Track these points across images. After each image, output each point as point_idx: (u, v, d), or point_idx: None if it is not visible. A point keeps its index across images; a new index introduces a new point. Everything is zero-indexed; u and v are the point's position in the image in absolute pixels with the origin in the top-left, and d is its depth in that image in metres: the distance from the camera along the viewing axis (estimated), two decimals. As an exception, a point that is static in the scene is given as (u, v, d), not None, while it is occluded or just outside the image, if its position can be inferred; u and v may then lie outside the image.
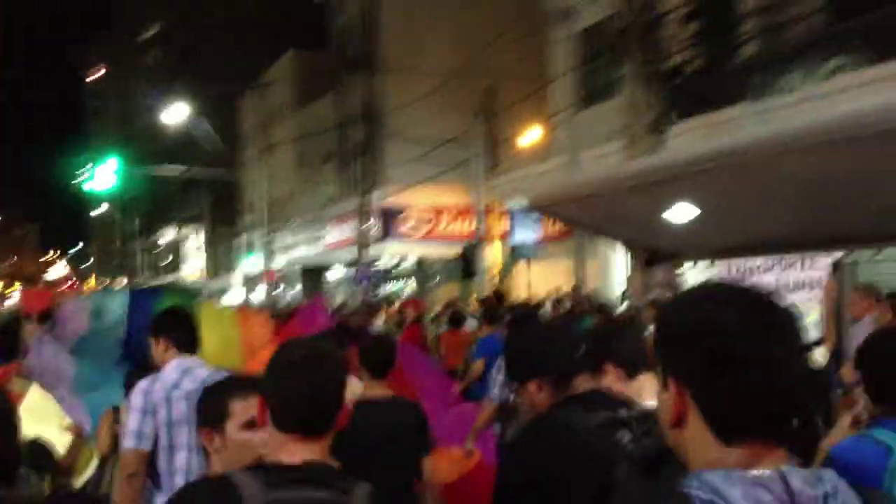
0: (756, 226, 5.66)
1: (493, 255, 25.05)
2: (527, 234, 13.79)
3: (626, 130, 10.38)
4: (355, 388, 4.66)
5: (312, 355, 2.16)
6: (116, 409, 4.53)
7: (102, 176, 26.95)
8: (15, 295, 75.34)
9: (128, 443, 4.09)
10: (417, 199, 26.83)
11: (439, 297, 26.44)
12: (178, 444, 4.12)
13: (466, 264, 17.89)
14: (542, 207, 7.37)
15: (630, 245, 7.34)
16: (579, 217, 7.07)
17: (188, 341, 4.37)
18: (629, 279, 10.43)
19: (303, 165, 34.60)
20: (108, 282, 67.90)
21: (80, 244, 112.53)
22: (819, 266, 8.18)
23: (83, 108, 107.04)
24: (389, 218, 26.98)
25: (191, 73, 43.71)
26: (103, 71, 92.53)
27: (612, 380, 2.96)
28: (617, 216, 6.32)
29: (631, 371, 2.95)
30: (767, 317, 1.28)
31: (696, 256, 7.30)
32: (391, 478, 3.83)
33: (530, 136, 22.51)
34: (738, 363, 1.24)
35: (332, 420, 2.14)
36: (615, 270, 16.65)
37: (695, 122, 11.64)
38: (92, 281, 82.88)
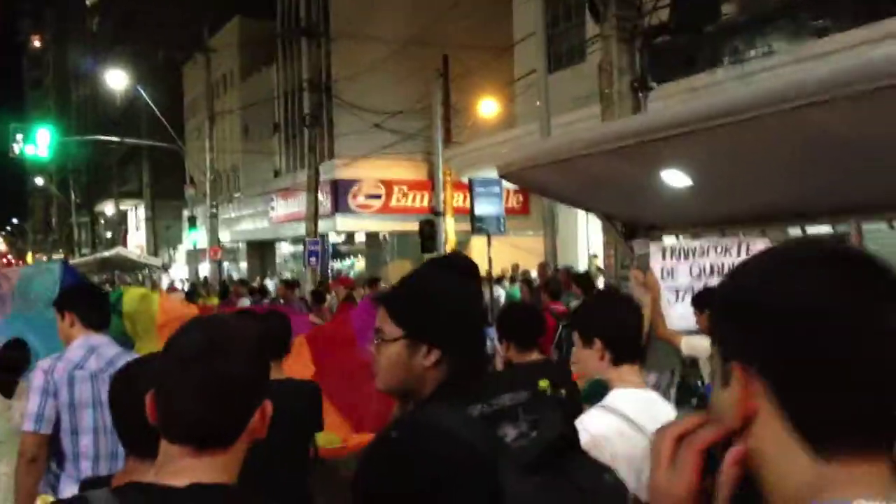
0: (750, 196, 5.22)
1: (449, 230, 24.36)
2: (488, 207, 12.96)
3: (603, 94, 9.55)
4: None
5: (213, 342, 1.65)
6: None
7: (37, 145, 25.58)
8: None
9: (27, 425, 3.88)
10: (369, 172, 25.91)
11: (392, 274, 25.71)
12: (82, 427, 3.92)
13: (424, 239, 17.04)
14: (511, 175, 6.72)
15: (609, 217, 6.71)
16: (552, 185, 6.54)
17: (96, 317, 4.15)
18: (606, 254, 9.69)
19: (249, 137, 33.39)
20: (45, 258, 65.80)
21: (16, 219, 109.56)
22: (756, 249, 7.46)
23: (21, 78, 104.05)
24: (340, 191, 25.98)
25: (134, 40, 42.21)
26: (42, 40, 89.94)
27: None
28: (595, 183, 5.80)
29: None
30: (883, 285, 1.00)
31: (680, 230, 6.66)
32: (283, 459, 3.78)
33: (489, 105, 21.71)
34: (845, 344, 0.97)
35: (239, 428, 1.65)
36: (578, 245, 15.93)
37: (675, 87, 10.88)
38: (29, 257, 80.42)
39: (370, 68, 23.99)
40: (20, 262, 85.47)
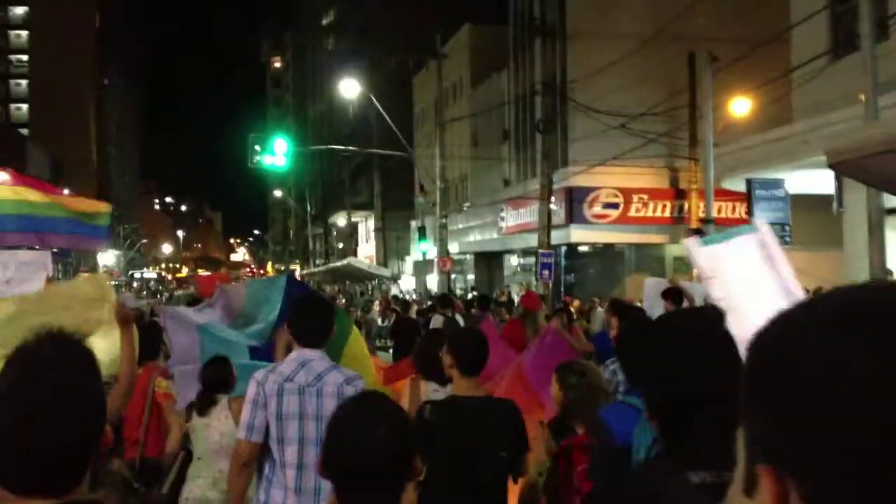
0: None
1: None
2: (771, 214, 10.94)
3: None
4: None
5: (33, 368, 1.58)
6: (190, 409, 5.40)
7: (279, 152, 26.11)
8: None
9: (239, 433, 4.14)
10: (606, 180, 24.17)
11: (630, 288, 23.86)
12: (287, 437, 4.06)
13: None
14: (846, 165, 5.14)
15: None
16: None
17: (311, 334, 4.23)
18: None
19: (480, 144, 32.56)
20: (283, 268, 68.82)
21: (259, 231, 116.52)
22: None
23: (265, 99, 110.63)
24: (575, 200, 24.40)
25: (366, 54, 42.91)
26: (282, 61, 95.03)
27: None
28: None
29: None
30: None
31: None
32: (478, 479, 4.04)
33: (744, 104, 19.40)
34: None
35: (74, 471, 1.57)
36: (869, 261, 13.37)
37: None
38: (269, 267, 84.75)
39: (609, 68, 22.28)
40: (262, 270, 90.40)
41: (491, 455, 4.19)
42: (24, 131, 76.81)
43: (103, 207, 7.57)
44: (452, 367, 4.35)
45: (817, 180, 13.39)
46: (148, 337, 5.65)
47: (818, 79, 12.61)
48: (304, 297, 4.63)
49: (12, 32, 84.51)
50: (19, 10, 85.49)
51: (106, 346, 3.95)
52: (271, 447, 4.06)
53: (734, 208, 21.15)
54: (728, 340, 1.71)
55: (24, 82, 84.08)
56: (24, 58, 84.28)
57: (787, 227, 11.14)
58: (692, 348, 1.78)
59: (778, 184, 10.59)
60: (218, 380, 5.56)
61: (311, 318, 4.29)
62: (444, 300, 13.75)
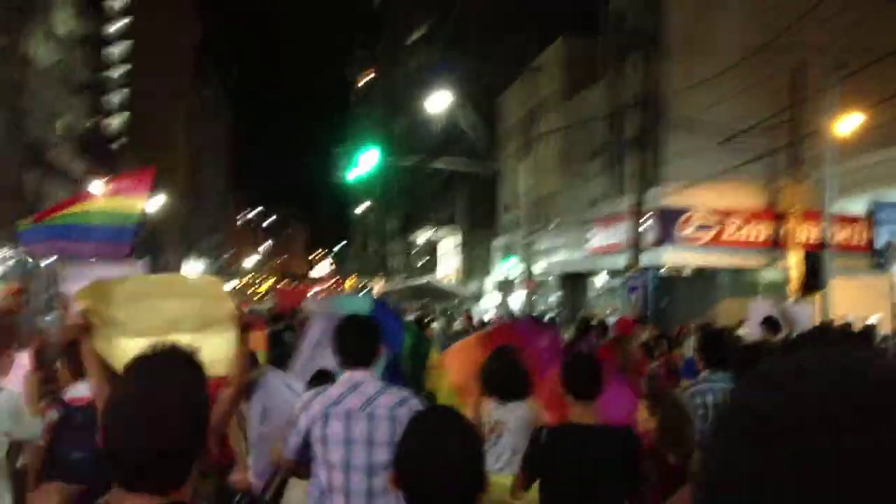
0: None
1: (793, 268, 20.95)
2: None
3: None
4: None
5: (148, 381, 1.86)
6: None
7: (363, 165, 25.86)
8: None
9: (281, 449, 4.19)
10: (700, 199, 23.03)
11: (722, 313, 22.68)
12: (333, 461, 3.99)
13: (809, 275, 14.07)
14: None
15: None
16: None
17: (357, 354, 4.14)
18: None
19: (568, 161, 31.66)
20: (365, 282, 68.82)
21: (343, 243, 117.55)
22: None
23: (351, 113, 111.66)
24: (668, 220, 23.32)
25: (455, 68, 42.52)
26: (372, 76, 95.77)
27: None
28: None
29: None
30: None
31: None
32: None
33: (854, 119, 18.16)
34: None
35: (178, 474, 1.80)
36: None
37: None
38: (352, 280, 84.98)
39: (708, 82, 21.23)
40: (344, 282, 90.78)
41: (608, 486, 4.15)
42: (123, 140, 78.87)
43: (139, 205, 7.88)
44: (566, 392, 4.32)
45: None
46: None
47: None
48: (349, 317, 4.46)
49: (113, 44, 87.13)
50: (121, 22, 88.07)
51: (222, 344, 3.93)
52: (318, 471, 4.04)
53: (850, 232, 19.78)
54: None
55: (125, 91, 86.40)
56: (124, 68, 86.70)
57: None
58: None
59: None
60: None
61: (357, 338, 4.22)
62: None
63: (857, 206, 14.71)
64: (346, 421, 3.99)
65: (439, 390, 6.26)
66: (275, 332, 11.56)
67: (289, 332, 12.43)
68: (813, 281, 13.97)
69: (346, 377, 4.13)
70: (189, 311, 4.02)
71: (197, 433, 1.83)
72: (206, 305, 4.10)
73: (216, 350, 3.76)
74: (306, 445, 4.06)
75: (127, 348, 3.59)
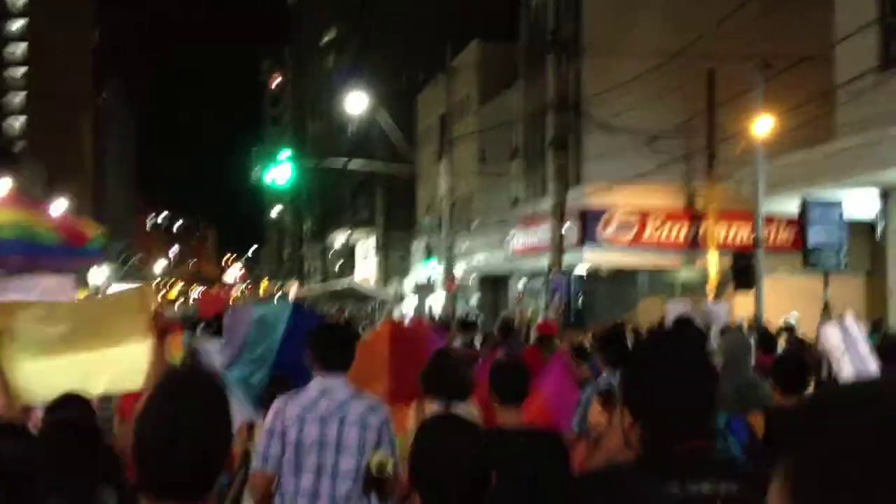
0: None
1: (711, 269, 21.36)
2: (826, 236, 10.09)
3: None
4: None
5: (174, 399, 1.96)
6: (251, 427, 5.07)
7: (277, 171, 25.31)
8: (194, 295, 77.19)
9: (254, 463, 4.13)
10: (620, 199, 23.26)
11: (642, 313, 22.99)
12: (305, 465, 3.98)
13: (738, 273, 14.28)
14: None
15: None
16: None
17: (333, 358, 4.13)
18: None
19: (488, 162, 31.71)
20: (278, 286, 67.83)
21: (255, 247, 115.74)
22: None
23: (264, 116, 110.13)
24: (589, 220, 23.50)
25: (367, 70, 42.25)
26: (281, 78, 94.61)
27: None
28: None
29: None
30: None
31: None
32: None
33: (766, 122, 18.59)
34: None
35: (204, 483, 1.91)
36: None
37: None
38: (264, 284, 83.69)
39: (626, 85, 21.47)
40: (256, 287, 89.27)
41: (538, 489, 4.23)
42: (21, 143, 76.02)
43: (97, 232, 7.63)
44: (493, 397, 4.35)
45: (859, 203, 12.65)
46: None
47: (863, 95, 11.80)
48: (324, 324, 4.61)
49: (10, 45, 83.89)
50: (19, 23, 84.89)
51: (142, 353, 3.91)
52: (285, 477, 4.01)
53: (776, 231, 20.28)
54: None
55: (21, 94, 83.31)
56: (22, 70, 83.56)
57: (843, 251, 10.27)
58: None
59: (835, 205, 9.71)
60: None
61: (336, 343, 4.24)
62: (467, 326, 12.73)
63: (783, 205, 15.08)
64: (321, 425, 4.00)
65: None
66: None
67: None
68: (744, 280, 14.18)
69: (317, 382, 4.13)
70: (91, 332, 4.04)
71: (224, 448, 1.98)
72: (121, 320, 4.07)
73: (135, 361, 3.77)
74: (283, 453, 4.03)
75: (32, 368, 3.72)
